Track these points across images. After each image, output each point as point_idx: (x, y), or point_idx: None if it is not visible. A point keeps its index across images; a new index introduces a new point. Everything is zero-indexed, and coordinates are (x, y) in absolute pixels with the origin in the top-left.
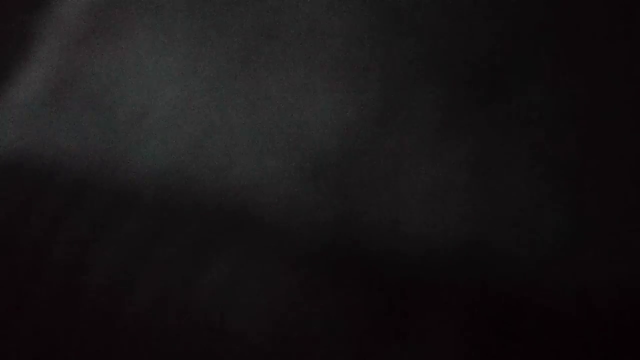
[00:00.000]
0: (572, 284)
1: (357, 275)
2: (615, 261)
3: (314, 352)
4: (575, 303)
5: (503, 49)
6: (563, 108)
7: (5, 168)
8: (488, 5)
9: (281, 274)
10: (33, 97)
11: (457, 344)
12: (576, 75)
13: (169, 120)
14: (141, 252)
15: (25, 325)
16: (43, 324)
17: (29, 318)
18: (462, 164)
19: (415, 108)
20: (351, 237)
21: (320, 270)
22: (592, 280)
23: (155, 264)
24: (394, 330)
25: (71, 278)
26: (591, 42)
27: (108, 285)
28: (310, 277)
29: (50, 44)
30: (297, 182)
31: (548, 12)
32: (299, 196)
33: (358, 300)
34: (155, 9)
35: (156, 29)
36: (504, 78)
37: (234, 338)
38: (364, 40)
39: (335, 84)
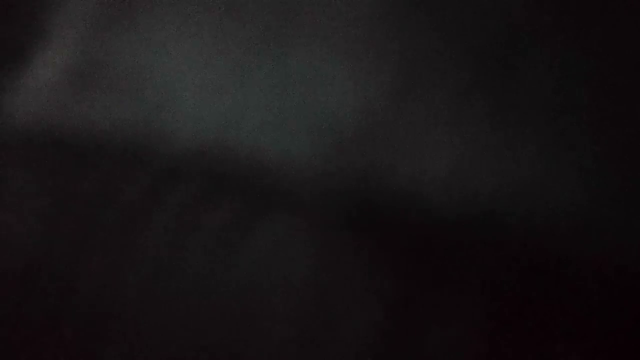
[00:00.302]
0: (588, 249)
1: (381, 240)
2: (629, 230)
3: (344, 316)
4: (591, 271)
5: (519, 26)
6: (579, 75)
7: (44, 144)
8: None
9: (311, 240)
10: (58, 79)
11: (480, 313)
12: (591, 44)
13: (198, 102)
14: (190, 221)
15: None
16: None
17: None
18: (480, 133)
19: (432, 84)
20: (375, 204)
21: (347, 237)
22: (608, 247)
23: (202, 231)
24: (420, 296)
25: (125, 245)
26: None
27: (160, 248)
28: (338, 243)
29: (72, 27)
30: (322, 155)
31: None
32: (324, 168)
33: (384, 264)
34: None
35: (180, 14)
36: (520, 51)
37: (270, 303)
38: (383, 21)
39: (355, 63)
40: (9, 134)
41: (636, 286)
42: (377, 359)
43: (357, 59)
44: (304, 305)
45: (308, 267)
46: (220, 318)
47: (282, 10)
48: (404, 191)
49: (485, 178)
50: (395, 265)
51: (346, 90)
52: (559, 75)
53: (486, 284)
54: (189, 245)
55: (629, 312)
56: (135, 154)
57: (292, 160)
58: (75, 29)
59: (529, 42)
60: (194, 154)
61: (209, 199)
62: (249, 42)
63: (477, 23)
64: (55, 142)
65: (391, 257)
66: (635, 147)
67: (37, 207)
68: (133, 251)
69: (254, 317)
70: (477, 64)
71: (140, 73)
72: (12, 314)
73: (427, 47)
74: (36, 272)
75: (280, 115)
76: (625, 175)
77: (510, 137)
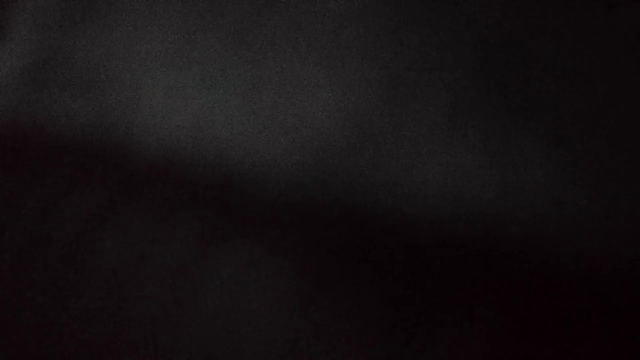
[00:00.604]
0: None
1: (362, 253)
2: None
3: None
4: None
5: (514, 38)
6: (573, 95)
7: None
8: None
9: (289, 257)
10: (14, 77)
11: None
12: (584, 69)
13: (165, 104)
14: (150, 234)
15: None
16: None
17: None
18: (474, 147)
19: (422, 90)
20: (357, 216)
21: (325, 251)
22: (608, 249)
23: (165, 243)
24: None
25: (77, 254)
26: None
27: (116, 263)
28: (316, 260)
29: (31, 23)
30: (299, 165)
31: (558, 9)
32: (300, 178)
33: (367, 282)
34: None
35: (147, 14)
36: (516, 65)
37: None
38: (371, 27)
39: (338, 68)
40: None
41: (634, 286)
42: None
43: (341, 64)
44: (278, 328)
45: (285, 289)
46: (187, 341)
47: (255, 9)
48: (387, 203)
49: (477, 186)
50: (380, 284)
51: (329, 96)
52: (552, 80)
53: (480, 299)
54: (149, 263)
55: (629, 313)
56: (95, 158)
57: (266, 170)
58: (34, 26)
59: (520, 47)
60: (160, 161)
61: (175, 211)
62: (220, 45)
63: (466, 33)
64: (10, 143)
65: (375, 274)
66: (634, 149)
67: None
68: (81, 271)
69: (223, 343)
70: (464, 72)
71: (100, 74)
72: None
73: (415, 57)
74: None
75: (252, 121)
76: (624, 178)
77: (505, 144)
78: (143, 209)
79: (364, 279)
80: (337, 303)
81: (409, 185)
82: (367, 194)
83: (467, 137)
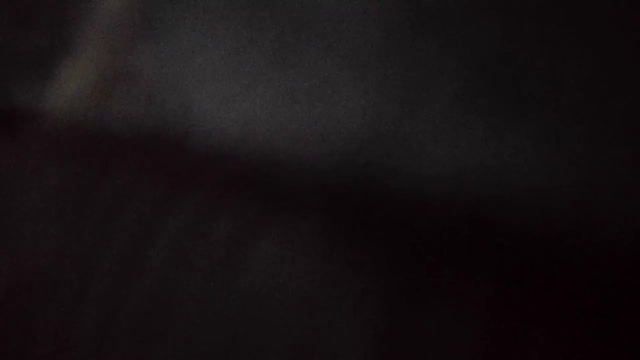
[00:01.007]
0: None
1: (388, 243)
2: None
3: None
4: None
5: (520, 48)
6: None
7: (69, 152)
8: (508, 7)
9: (319, 244)
10: (83, 90)
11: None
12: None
13: (215, 110)
14: (202, 227)
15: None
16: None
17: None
18: (485, 138)
19: (434, 92)
20: (381, 207)
21: (354, 240)
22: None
23: (214, 238)
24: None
25: (136, 251)
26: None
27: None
28: (345, 247)
29: (92, 43)
30: (330, 161)
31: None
32: (332, 174)
33: (391, 268)
34: (195, 9)
35: (198, 29)
36: (520, 76)
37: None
38: (390, 36)
39: (360, 74)
40: (36, 140)
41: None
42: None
43: (363, 69)
44: (311, 309)
45: (316, 272)
46: (228, 325)
47: (295, 24)
48: (410, 194)
49: (491, 181)
50: (402, 267)
51: (353, 98)
52: (561, 77)
53: (492, 281)
54: (199, 251)
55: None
56: (155, 158)
57: (301, 166)
58: (101, 42)
59: (531, 48)
60: (212, 158)
61: (222, 204)
62: (263, 54)
63: (483, 34)
64: (79, 149)
65: (400, 260)
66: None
67: (58, 211)
68: (143, 259)
69: (263, 323)
70: (480, 72)
71: (163, 83)
72: (26, 320)
73: (432, 61)
74: (50, 276)
75: (289, 126)
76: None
77: (515, 138)
78: (199, 197)
79: (380, 259)
80: (363, 268)
81: (422, 172)
82: (388, 177)
83: (471, 129)
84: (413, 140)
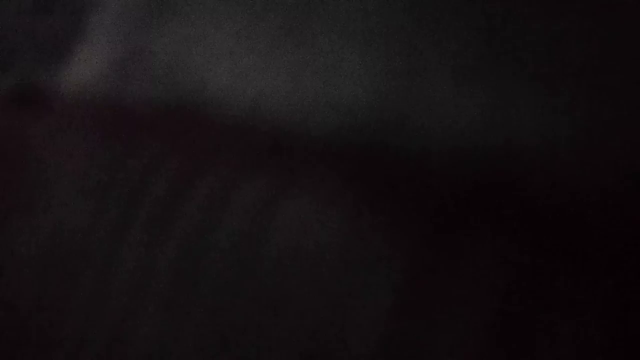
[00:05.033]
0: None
1: (401, 209)
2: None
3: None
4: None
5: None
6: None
7: (88, 133)
8: None
9: (334, 213)
10: (100, 71)
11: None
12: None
13: (229, 84)
14: (227, 196)
15: None
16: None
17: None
18: (479, 105)
19: (438, 65)
20: (390, 174)
21: (365, 207)
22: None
23: (239, 205)
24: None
25: (163, 221)
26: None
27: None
28: (356, 212)
29: (107, 23)
30: (339, 132)
31: None
32: (345, 136)
33: (406, 233)
34: None
35: (214, 10)
36: (519, 36)
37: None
38: (392, 14)
39: (366, 49)
40: (62, 118)
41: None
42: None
43: (368, 45)
44: (334, 274)
45: (334, 239)
46: (257, 288)
47: (302, 3)
48: (423, 154)
49: (497, 134)
50: (417, 231)
51: (361, 70)
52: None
53: (502, 239)
54: (226, 217)
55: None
56: (174, 133)
57: (317, 133)
58: (114, 26)
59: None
60: (227, 130)
61: (238, 177)
62: (275, 30)
63: (484, 6)
64: (104, 126)
65: (413, 224)
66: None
67: (90, 182)
68: (167, 229)
69: (292, 284)
70: (481, 36)
71: (178, 60)
72: (62, 290)
73: (434, 35)
74: (85, 239)
75: (302, 98)
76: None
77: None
78: (218, 167)
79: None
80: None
81: (434, 130)
82: (400, 139)
83: (474, 90)
84: (421, 104)
